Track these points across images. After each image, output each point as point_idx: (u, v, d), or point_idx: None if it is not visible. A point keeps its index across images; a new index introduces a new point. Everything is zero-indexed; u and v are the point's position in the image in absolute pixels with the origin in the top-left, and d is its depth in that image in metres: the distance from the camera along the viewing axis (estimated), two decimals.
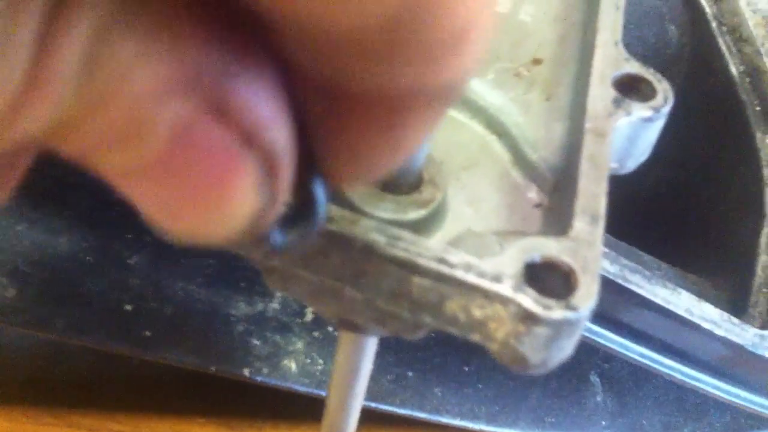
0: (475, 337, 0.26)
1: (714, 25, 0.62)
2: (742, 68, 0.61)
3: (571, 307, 0.24)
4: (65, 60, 0.14)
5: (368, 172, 0.20)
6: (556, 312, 0.24)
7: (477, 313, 0.26)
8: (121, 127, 0.16)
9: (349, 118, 0.18)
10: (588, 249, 0.26)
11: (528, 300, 0.24)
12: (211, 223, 0.18)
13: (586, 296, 0.25)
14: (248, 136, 0.17)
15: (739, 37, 0.61)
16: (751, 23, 0.61)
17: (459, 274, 0.25)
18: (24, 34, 0.13)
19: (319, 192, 0.21)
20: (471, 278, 0.25)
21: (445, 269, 0.25)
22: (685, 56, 0.64)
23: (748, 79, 0.60)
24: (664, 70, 0.35)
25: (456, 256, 0.26)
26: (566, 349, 0.26)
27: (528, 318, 0.25)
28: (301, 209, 0.22)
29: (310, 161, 0.20)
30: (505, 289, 0.25)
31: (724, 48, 0.61)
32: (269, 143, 0.17)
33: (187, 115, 0.16)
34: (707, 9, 0.62)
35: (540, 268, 0.26)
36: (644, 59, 0.35)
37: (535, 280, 0.25)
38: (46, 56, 0.14)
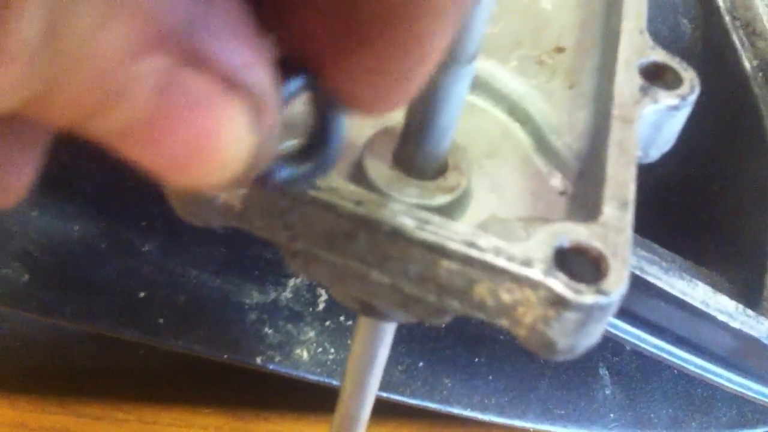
0: (503, 322, 0.26)
1: (727, 19, 0.62)
2: (755, 62, 0.60)
3: (602, 292, 0.24)
4: (27, 28, 0.14)
5: (386, 95, 0.20)
6: (587, 296, 0.24)
7: (506, 297, 0.25)
8: (99, 90, 0.16)
9: (361, 35, 0.18)
10: (618, 234, 0.26)
11: (559, 284, 0.24)
12: (211, 169, 0.18)
13: (617, 281, 0.25)
14: (229, 80, 0.17)
15: (753, 31, 0.61)
16: (764, 17, 0.61)
17: (489, 257, 0.25)
18: None
19: (333, 122, 0.21)
20: (501, 262, 0.25)
21: (474, 253, 0.25)
22: (698, 50, 0.64)
23: (761, 73, 0.60)
24: None
25: (485, 240, 0.25)
26: (594, 334, 0.26)
27: (558, 302, 0.24)
28: (315, 141, 0.21)
29: (322, 91, 0.20)
30: (535, 273, 0.25)
31: (737, 42, 0.61)
32: (252, 84, 0.17)
33: (165, 70, 0.16)
34: (720, 3, 0.62)
35: (569, 253, 0.26)
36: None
37: (564, 265, 0.25)
38: (5, 26, 0.14)
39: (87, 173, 0.52)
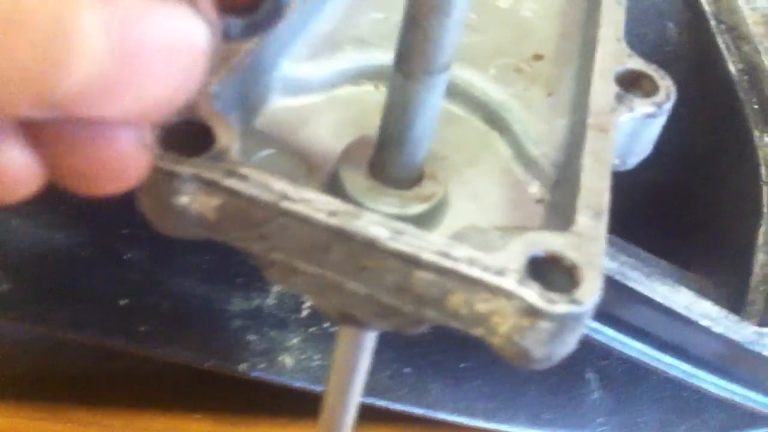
0: (478, 332, 0.26)
1: (713, 23, 0.62)
2: (740, 66, 0.61)
3: (575, 302, 0.24)
4: None
5: None
6: (561, 306, 0.24)
7: (480, 307, 0.25)
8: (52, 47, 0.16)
9: None
10: (592, 244, 0.26)
11: (532, 294, 0.24)
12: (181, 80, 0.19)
13: (590, 291, 0.25)
14: None
15: (738, 35, 0.61)
16: (749, 21, 0.61)
17: (463, 268, 0.25)
18: None
19: None
20: (475, 272, 0.25)
21: (448, 263, 0.25)
22: (684, 54, 0.64)
23: (746, 78, 0.60)
24: (663, 68, 0.35)
25: (459, 250, 0.25)
26: (569, 343, 0.26)
27: (532, 312, 0.24)
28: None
29: None
30: (509, 283, 0.25)
31: (722, 46, 0.61)
32: None
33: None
34: (706, 7, 0.63)
35: (544, 263, 0.26)
36: (643, 57, 0.35)
37: (538, 275, 0.25)
38: None
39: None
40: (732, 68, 0.60)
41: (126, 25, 0.17)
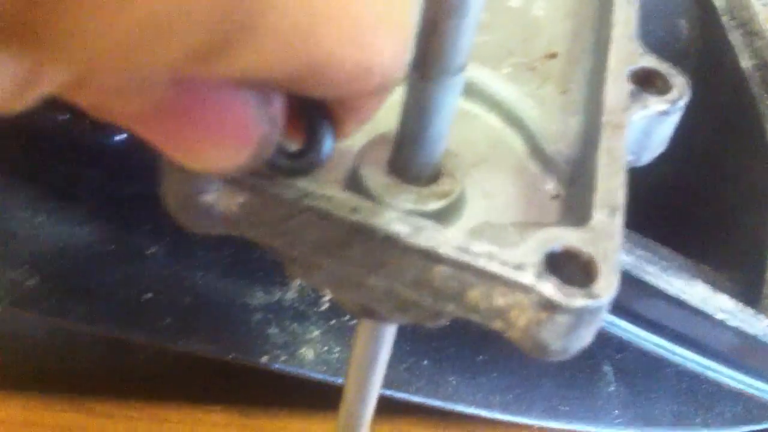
0: (497, 325, 0.27)
1: (724, 18, 0.62)
2: (753, 62, 0.61)
3: (592, 296, 0.25)
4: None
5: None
6: (578, 300, 0.25)
7: (499, 301, 0.26)
8: (123, 76, 0.17)
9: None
10: (608, 239, 0.27)
11: (550, 288, 0.25)
12: (226, 150, 0.20)
13: (607, 285, 0.25)
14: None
15: (750, 30, 0.61)
16: (761, 17, 0.61)
17: (481, 262, 0.26)
18: None
19: (324, 130, 0.25)
20: (493, 267, 0.26)
21: (467, 258, 0.26)
22: (695, 50, 0.64)
23: (758, 73, 0.60)
24: (674, 64, 0.35)
25: (478, 246, 0.26)
26: (586, 337, 0.26)
27: (550, 306, 0.25)
28: (309, 143, 0.26)
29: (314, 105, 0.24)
30: (527, 277, 0.25)
31: (734, 42, 0.61)
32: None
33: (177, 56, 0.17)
34: (717, 3, 0.63)
35: (560, 258, 0.26)
36: (653, 53, 0.35)
37: (556, 269, 0.26)
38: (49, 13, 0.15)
39: (93, 177, 0.53)
40: (744, 64, 0.60)
41: None
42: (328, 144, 0.26)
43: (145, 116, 0.19)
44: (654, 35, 0.64)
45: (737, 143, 0.62)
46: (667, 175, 0.65)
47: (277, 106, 0.21)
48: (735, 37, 0.61)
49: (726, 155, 0.64)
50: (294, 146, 0.27)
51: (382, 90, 0.23)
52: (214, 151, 0.20)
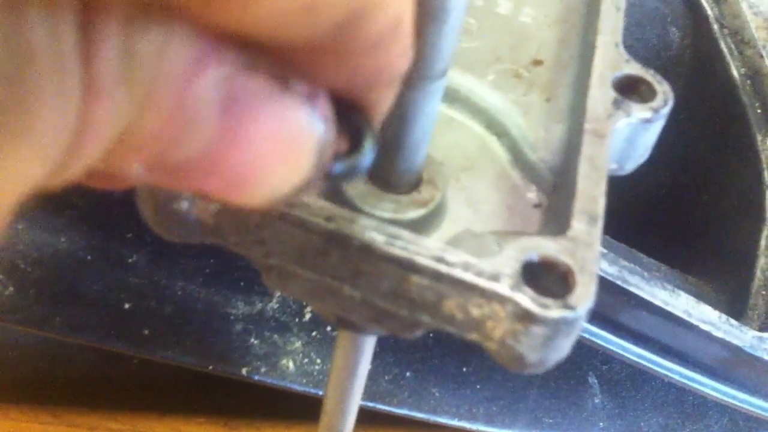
0: (473, 336, 0.26)
1: (716, 27, 0.62)
2: (743, 71, 0.61)
3: (568, 307, 0.24)
4: (108, 59, 0.15)
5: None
6: (554, 311, 0.24)
7: (475, 312, 0.26)
8: (177, 115, 0.17)
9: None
10: (586, 249, 0.26)
11: (526, 299, 0.25)
12: (289, 163, 0.19)
13: (584, 296, 0.25)
14: (284, 80, 0.18)
15: (741, 39, 0.61)
16: (752, 26, 0.61)
17: (457, 272, 0.25)
18: (69, 44, 0.14)
19: (368, 132, 0.24)
20: (469, 277, 0.25)
21: (443, 268, 0.25)
22: (687, 58, 0.64)
23: (749, 82, 0.60)
24: (665, 72, 0.35)
25: (454, 255, 0.26)
26: (563, 348, 0.26)
27: (525, 317, 0.25)
28: (354, 147, 0.24)
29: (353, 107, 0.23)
30: (502, 288, 0.25)
31: (725, 50, 0.61)
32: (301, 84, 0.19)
33: (226, 79, 0.17)
34: (709, 11, 0.62)
35: (538, 268, 0.26)
36: (645, 61, 0.35)
37: (532, 280, 0.25)
38: (91, 61, 0.15)
39: (74, 186, 0.52)
40: (735, 72, 0.60)
41: None
42: (371, 146, 0.25)
43: (198, 163, 0.18)
44: (646, 43, 0.64)
45: (727, 152, 0.62)
46: (655, 183, 0.65)
47: (324, 105, 0.20)
48: (726, 46, 0.61)
49: (715, 164, 0.63)
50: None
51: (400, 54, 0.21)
52: (279, 167, 0.19)
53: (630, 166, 0.34)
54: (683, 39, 0.64)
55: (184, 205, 0.27)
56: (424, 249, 0.26)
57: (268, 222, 0.27)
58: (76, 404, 0.67)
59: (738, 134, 0.61)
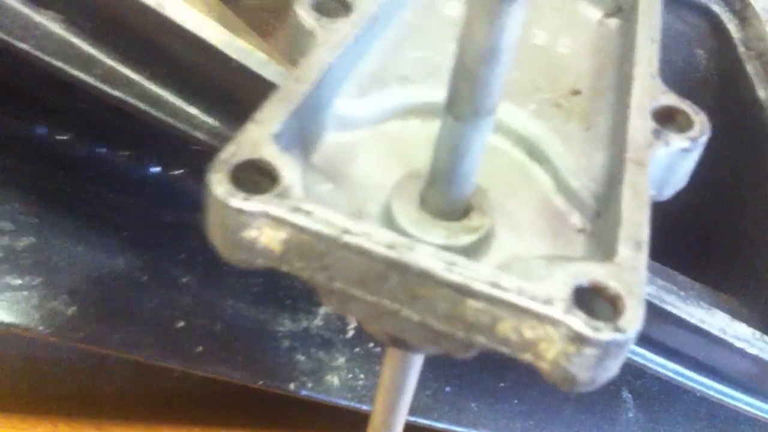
0: (526, 357, 0.28)
1: (741, 49, 0.63)
2: None
3: (619, 330, 0.26)
4: None
5: None
6: (605, 334, 0.26)
7: (528, 334, 0.27)
8: None
9: None
10: (633, 274, 0.28)
11: (578, 322, 0.26)
12: None
13: (633, 319, 0.26)
14: None
15: (766, 61, 0.62)
16: None
17: (512, 297, 0.27)
18: None
19: None
20: (523, 301, 0.27)
21: (498, 292, 0.27)
22: (713, 80, 0.65)
23: None
24: (691, 94, 0.36)
25: (508, 280, 0.27)
26: (613, 368, 0.27)
27: (578, 339, 0.26)
28: None
29: None
30: (556, 311, 0.26)
31: (751, 72, 0.62)
32: None
33: None
34: (735, 34, 0.64)
35: (588, 292, 0.27)
36: (672, 83, 0.36)
37: (583, 304, 0.27)
38: None
39: (130, 209, 0.55)
40: (761, 94, 0.61)
41: None
42: None
43: None
44: (673, 65, 0.65)
45: (755, 171, 0.63)
46: (684, 203, 0.66)
47: None
48: (752, 68, 0.62)
49: (744, 184, 0.64)
50: None
51: None
52: None
53: (669, 193, 0.36)
54: (709, 61, 0.65)
55: (253, 233, 0.29)
56: (480, 274, 0.27)
57: (332, 250, 0.28)
58: (119, 417, 0.68)
59: (765, 154, 0.62)
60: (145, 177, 0.57)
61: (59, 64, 0.44)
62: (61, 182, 0.56)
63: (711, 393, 0.52)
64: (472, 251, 0.32)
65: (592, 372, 0.27)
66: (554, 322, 0.26)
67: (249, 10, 0.59)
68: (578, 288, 0.27)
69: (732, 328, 0.47)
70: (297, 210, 0.28)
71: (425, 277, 0.27)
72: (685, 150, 0.34)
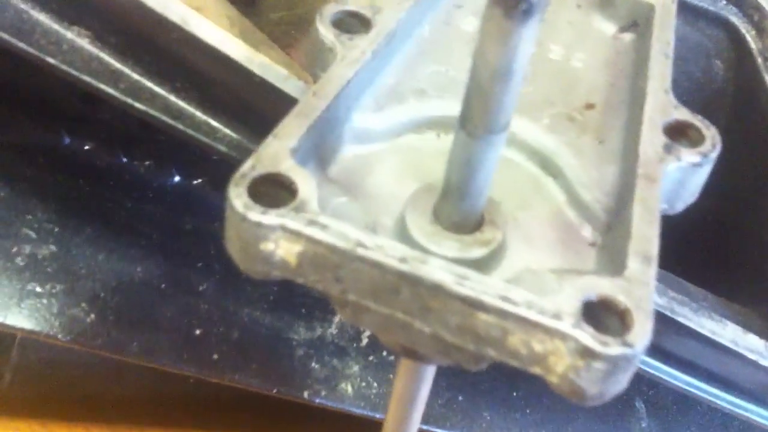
0: (536, 370, 0.28)
1: (759, 60, 0.63)
2: None
3: (627, 344, 0.26)
4: None
5: None
6: (613, 348, 0.26)
7: (538, 347, 0.27)
8: None
9: None
10: (642, 288, 0.28)
11: (587, 336, 0.26)
12: None
13: (641, 334, 0.26)
14: None
15: None
16: None
17: (521, 311, 0.27)
18: None
19: None
20: (533, 315, 0.27)
21: (508, 306, 0.27)
22: (730, 91, 0.65)
23: None
24: (709, 105, 0.36)
25: (519, 294, 0.27)
26: (622, 382, 0.28)
27: (586, 353, 0.26)
28: None
29: None
30: (564, 326, 0.27)
31: None
32: None
33: None
34: (753, 45, 0.64)
35: (596, 307, 0.28)
36: (690, 94, 0.37)
37: (592, 318, 0.27)
38: None
39: (149, 218, 0.55)
40: None
41: None
42: None
43: None
44: (690, 76, 0.65)
45: None
46: (698, 213, 0.66)
47: None
48: None
49: (757, 194, 0.64)
50: None
51: None
52: None
53: (680, 206, 0.36)
54: (727, 72, 0.66)
55: (270, 246, 0.29)
56: (490, 288, 0.28)
57: (347, 262, 0.29)
58: (135, 422, 0.69)
59: None
60: (166, 186, 0.58)
61: (87, 78, 0.45)
62: (83, 191, 0.57)
63: (723, 404, 0.52)
64: (484, 264, 0.32)
65: (601, 385, 0.27)
66: (563, 336, 0.27)
67: (271, 23, 0.60)
68: (587, 302, 0.27)
69: (744, 339, 0.47)
70: (313, 223, 0.28)
71: (436, 290, 0.28)
72: (696, 165, 0.34)
